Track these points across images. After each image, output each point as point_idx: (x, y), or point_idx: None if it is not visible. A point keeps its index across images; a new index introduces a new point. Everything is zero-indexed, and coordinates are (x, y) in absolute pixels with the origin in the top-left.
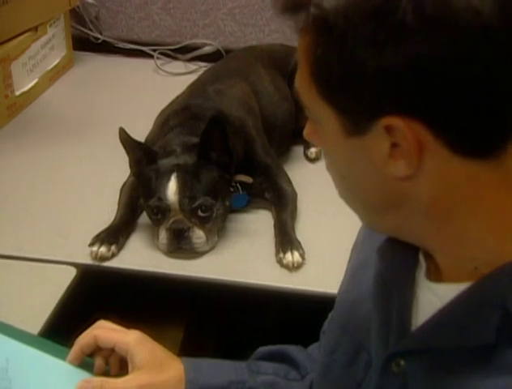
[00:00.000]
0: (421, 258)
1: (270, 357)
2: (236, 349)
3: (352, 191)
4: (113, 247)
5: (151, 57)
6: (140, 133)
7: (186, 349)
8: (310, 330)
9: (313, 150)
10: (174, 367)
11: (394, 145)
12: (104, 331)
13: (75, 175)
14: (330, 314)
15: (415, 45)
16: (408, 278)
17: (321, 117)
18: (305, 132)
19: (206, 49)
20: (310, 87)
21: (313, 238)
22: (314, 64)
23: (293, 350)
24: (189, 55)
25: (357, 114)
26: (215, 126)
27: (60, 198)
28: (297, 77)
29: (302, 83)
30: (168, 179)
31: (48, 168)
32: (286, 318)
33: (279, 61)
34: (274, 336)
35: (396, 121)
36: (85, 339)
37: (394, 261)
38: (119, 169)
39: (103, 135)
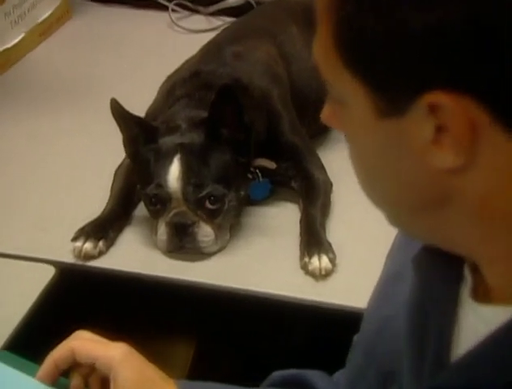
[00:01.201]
0: (467, 272)
1: (286, 384)
2: (254, 370)
3: (381, 186)
4: (101, 243)
5: (166, 9)
6: (149, 104)
7: (197, 370)
8: (339, 352)
9: None
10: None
11: (439, 129)
12: (84, 343)
13: (61, 153)
14: (355, 337)
15: None
16: (450, 296)
17: (346, 94)
18: (324, 114)
19: (233, 1)
20: (333, 56)
21: (348, 240)
22: (340, 25)
23: (314, 376)
24: (212, 8)
25: (394, 89)
26: (226, 97)
27: (40, 182)
28: (316, 43)
29: (322, 51)
30: (170, 162)
31: (27, 144)
32: (312, 336)
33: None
34: (298, 357)
35: (444, 98)
36: (60, 351)
37: (432, 274)
38: (117, 148)
39: (101, 106)
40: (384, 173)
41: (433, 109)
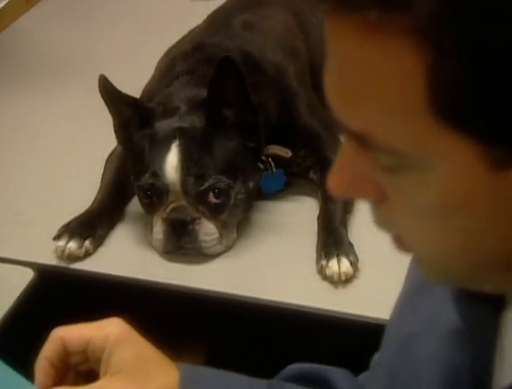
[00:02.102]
0: (510, 289)
1: (303, 379)
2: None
3: (481, 249)
4: (88, 242)
5: None
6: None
7: None
8: (357, 367)
9: None
10: (165, 375)
11: None
12: (72, 329)
13: (45, 138)
14: (375, 356)
15: None
16: (490, 316)
17: (429, 156)
18: (342, 185)
19: None
20: (419, 116)
21: (373, 241)
22: (437, 77)
23: (335, 374)
24: None
25: None
26: (226, 73)
27: (19, 170)
28: (369, 109)
29: (391, 116)
30: (168, 149)
31: (4, 127)
32: (329, 349)
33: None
34: None
35: None
36: (49, 346)
37: (468, 291)
38: (109, 133)
39: (92, 85)
40: (489, 231)
41: None
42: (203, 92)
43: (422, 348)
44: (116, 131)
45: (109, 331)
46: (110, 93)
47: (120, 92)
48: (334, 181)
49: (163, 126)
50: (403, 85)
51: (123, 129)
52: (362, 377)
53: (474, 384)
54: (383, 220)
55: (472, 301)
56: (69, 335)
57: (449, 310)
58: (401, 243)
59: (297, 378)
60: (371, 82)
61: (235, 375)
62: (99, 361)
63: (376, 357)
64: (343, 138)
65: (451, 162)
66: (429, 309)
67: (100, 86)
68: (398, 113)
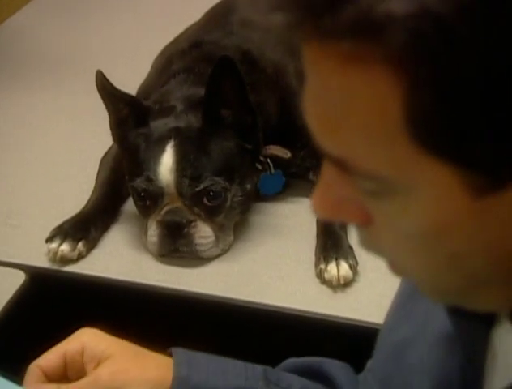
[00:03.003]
0: None
1: (301, 372)
2: None
3: (468, 269)
4: (81, 245)
5: None
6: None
7: None
8: (360, 371)
9: None
10: (156, 357)
11: None
12: (44, 355)
13: (38, 136)
14: (368, 364)
15: None
16: (482, 321)
17: (411, 182)
18: (326, 208)
19: None
20: (399, 145)
21: None
22: (415, 105)
23: (334, 367)
24: None
25: (504, 162)
26: (224, 72)
27: (10, 170)
28: (349, 136)
29: (371, 142)
30: (162, 150)
31: None
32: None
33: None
34: None
35: None
36: (28, 379)
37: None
38: (104, 132)
39: (86, 82)
40: (473, 253)
41: None
42: (200, 91)
43: (414, 355)
44: (111, 129)
45: (81, 336)
46: (107, 90)
47: (116, 89)
48: (317, 204)
49: (158, 125)
50: (381, 112)
51: (119, 127)
52: (362, 375)
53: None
54: (370, 243)
55: (464, 312)
56: (44, 362)
57: (441, 316)
58: (391, 265)
59: (293, 371)
60: (349, 109)
61: (231, 360)
62: (82, 369)
63: (369, 364)
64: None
65: (432, 188)
66: (422, 315)
67: (97, 82)
68: (377, 139)
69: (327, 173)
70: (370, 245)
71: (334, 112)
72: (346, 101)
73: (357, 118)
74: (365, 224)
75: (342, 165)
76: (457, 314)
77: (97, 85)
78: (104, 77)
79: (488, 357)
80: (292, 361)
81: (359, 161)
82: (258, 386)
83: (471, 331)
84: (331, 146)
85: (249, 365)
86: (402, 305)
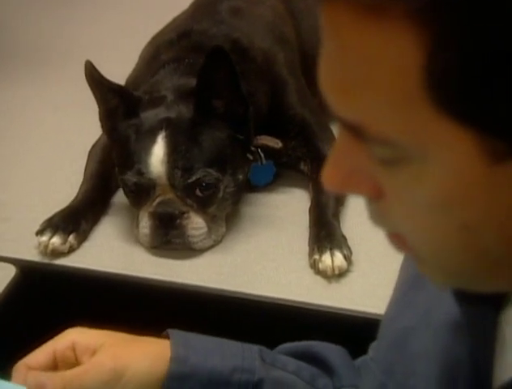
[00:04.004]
0: None
1: (296, 356)
2: None
3: (480, 246)
4: (72, 237)
5: None
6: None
7: None
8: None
9: None
10: (151, 339)
11: None
12: (30, 356)
13: (25, 128)
14: (370, 350)
15: None
16: (490, 308)
17: (428, 148)
18: (337, 180)
19: None
20: (418, 106)
21: (367, 233)
22: (437, 67)
23: (328, 350)
24: None
25: None
26: (217, 62)
27: None
28: (366, 98)
29: (390, 105)
30: (153, 141)
31: None
32: None
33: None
34: None
35: None
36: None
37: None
38: (92, 123)
39: (74, 72)
40: (487, 227)
41: None
42: (191, 81)
43: (418, 343)
44: (101, 120)
45: (69, 334)
46: (96, 80)
47: (106, 80)
48: (329, 175)
49: (149, 116)
50: (401, 73)
51: (109, 117)
52: (360, 360)
53: (474, 377)
54: (380, 217)
55: (472, 297)
56: (32, 360)
57: (446, 303)
58: (399, 241)
59: (288, 355)
60: (368, 69)
61: (227, 341)
62: (75, 363)
63: (371, 351)
64: (334, 128)
65: (449, 154)
66: (425, 303)
67: (86, 72)
68: (396, 102)
69: (340, 142)
70: (380, 219)
71: (352, 73)
72: (365, 62)
73: (376, 79)
74: (376, 196)
75: (357, 131)
76: (464, 299)
77: (86, 75)
78: (94, 67)
79: (497, 343)
80: (286, 346)
81: (376, 126)
82: (254, 366)
83: (479, 316)
84: (348, 110)
85: (246, 346)
86: (403, 294)
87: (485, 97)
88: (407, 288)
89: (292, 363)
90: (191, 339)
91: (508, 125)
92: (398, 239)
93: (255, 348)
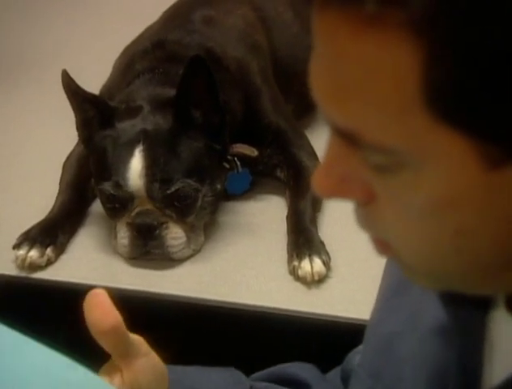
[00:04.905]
0: None
1: (272, 381)
2: None
3: (473, 252)
4: (49, 250)
5: None
6: (105, 80)
7: None
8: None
9: None
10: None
11: None
12: None
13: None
14: (351, 356)
15: None
16: (478, 308)
17: (423, 154)
18: (329, 188)
19: None
20: (413, 113)
21: (344, 239)
22: (433, 74)
23: (302, 370)
24: None
25: None
26: (197, 72)
27: None
28: (361, 106)
29: (385, 112)
30: (131, 154)
31: None
32: (304, 352)
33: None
34: None
35: None
36: None
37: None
38: (67, 133)
39: (47, 81)
40: (481, 232)
41: None
42: (166, 91)
43: (404, 348)
44: (78, 129)
45: None
46: (72, 90)
47: (81, 89)
48: (321, 182)
49: (125, 127)
50: (398, 81)
51: (85, 127)
52: (331, 374)
53: (462, 381)
54: (367, 222)
55: (459, 299)
56: None
57: (432, 308)
58: (383, 246)
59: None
60: (365, 78)
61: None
62: None
63: (352, 354)
64: (307, 134)
65: (445, 160)
66: (409, 308)
67: (63, 81)
68: (391, 110)
69: (333, 148)
70: (367, 223)
71: (347, 81)
72: (362, 70)
73: (372, 87)
74: (368, 201)
75: (350, 138)
76: (451, 303)
77: (63, 85)
78: (69, 76)
79: (485, 346)
80: (260, 374)
81: (370, 133)
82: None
83: (467, 320)
84: (341, 118)
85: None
86: (388, 299)
87: (481, 105)
88: (391, 293)
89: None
90: (179, 370)
91: (503, 130)
92: (382, 244)
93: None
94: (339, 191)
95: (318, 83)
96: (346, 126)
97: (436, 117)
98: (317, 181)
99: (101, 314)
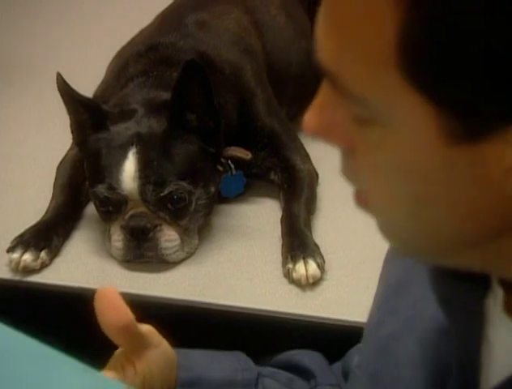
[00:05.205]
0: (495, 282)
1: (280, 367)
2: None
3: (431, 222)
4: (44, 253)
5: None
6: (95, 85)
7: None
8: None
9: None
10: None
11: None
12: None
13: None
14: (355, 360)
15: None
16: (476, 310)
17: (393, 113)
18: (314, 126)
19: None
20: (386, 69)
21: (338, 241)
22: (409, 33)
23: (307, 357)
24: None
25: (479, 113)
26: (192, 76)
27: None
28: (341, 48)
29: (362, 61)
30: (124, 157)
31: None
32: None
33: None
34: None
35: None
36: None
37: (452, 286)
38: (60, 137)
39: (40, 85)
40: (441, 203)
41: None
42: (161, 94)
43: (402, 349)
44: (72, 131)
45: None
46: (66, 93)
47: (75, 92)
48: (310, 120)
49: (119, 130)
50: (380, 29)
51: (79, 129)
52: (335, 366)
53: (461, 382)
54: (349, 173)
55: (456, 289)
56: None
57: (430, 310)
58: (362, 199)
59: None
60: (354, 18)
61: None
62: None
63: (349, 354)
64: (300, 136)
65: (410, 124)
66: (408, 309)
67: (58, 85)
68: (370, 59)
69: (324, 92)
70: (349, 174)
71: (341, 16)
72: (354, 9)
73: (357, 30)
74: (349, 150)
75: (337, 84)
76: (449, 304)
77: (58, 88)
78: (63, 80)
79: (484, 347)
80: (265, 362)
81: (351, 81)
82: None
83: (466, 321)
84: (330, 59)
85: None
86: (386, 301)
87: (447, 73)
88: (389, 295)
89: (268, 370)
90: (188, 355)
91: (465, 106)
92: (361, 197)
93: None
94: (325, 133)
95: (321, 17)
96: (333, 69)
97: (405, 77)
98: (307, 117)
99: (114, 313)
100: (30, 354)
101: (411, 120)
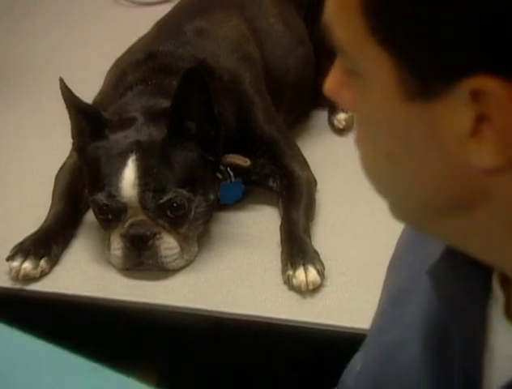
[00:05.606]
0: (496, 285)
1: None
2: None
3: (400, 180)
4: (43, 262)
5: None
6: (86, 94)
7: None
8: (331, 379)
9: (342, 116)
10: None
11: (480, 119)
12: None
13: None
14: (357, 367)
15: None
16: (477, 315)
17: (365, 65)
18: (329, 86)
19: None
20: (357, 18)
21: (338, 247)
22: None
23: None
24: None
25: (433, 68)
26: (192, 84)
27: None
28: (332, 5)
29: (342, 14)
30: (124, 164)
31: None
32: (299, 362)
33: None
34: (283, 386)
35: (492, 84)
36: None
37: (454, 289)
38: (59, 144)
39: (36, 92)
40: (405, 164)
41: (476, 96)
42: (160, 102)
43: (406, 356)
44: (73, 137)
45: None
46: (68, 98)
47: (77, 99)
48: (327, 81)
49: (119, 138)
50: None
51: (80, 136)
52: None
53: (464, 387)
54: (359, 141)
55: (457, 291)
56: None
57: (433, 315)
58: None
59: None
60: None
61: None
62: None
63: (352, 363)
64: (298, 143)
65: (375, 77)
66: (411, 315)
67: (61, 90)
68: (348, 10)
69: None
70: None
71: None
72: None
73: None
74: (352, 109)
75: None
76: (451, 309)
77: (62, 93)
78: (65, 85)
79: (485, 352)
80: None
81: (337, 33)
82: None
83: (466, 325)
84: (329, 16)
85: None
86: (389, 308)
87: (404, 30)
88: (392, 302)
89: None
90: None
91: (416, 57)
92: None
93: None
94: (337, 93)
95: None
96: (330, 24)
97: (369, 30)
98: (327, 80)
99: None
100: (48, 359)
101: (376, 73)
